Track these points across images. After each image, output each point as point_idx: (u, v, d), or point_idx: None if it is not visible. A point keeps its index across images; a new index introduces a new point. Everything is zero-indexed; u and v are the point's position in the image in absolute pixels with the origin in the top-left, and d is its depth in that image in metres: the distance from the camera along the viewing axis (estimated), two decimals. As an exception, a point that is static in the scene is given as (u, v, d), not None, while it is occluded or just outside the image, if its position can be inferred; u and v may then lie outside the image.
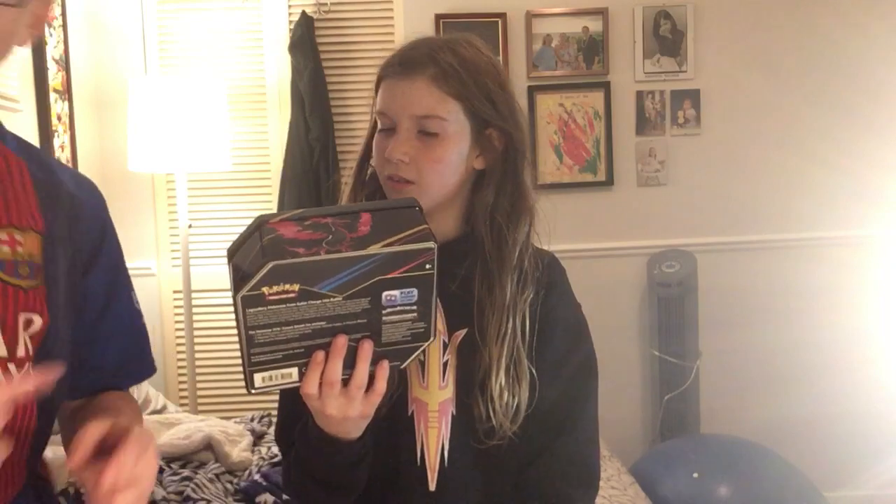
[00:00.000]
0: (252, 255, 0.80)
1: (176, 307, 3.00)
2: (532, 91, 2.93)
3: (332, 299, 0.82)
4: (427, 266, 0.85)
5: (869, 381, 2.92)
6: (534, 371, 1.08)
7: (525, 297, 1.09)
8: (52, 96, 2.57)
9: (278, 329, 0.82)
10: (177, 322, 3.01)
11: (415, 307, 0.87)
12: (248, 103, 3.00)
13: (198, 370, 2.88)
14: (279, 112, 3.02)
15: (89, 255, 0.95)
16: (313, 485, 1.03)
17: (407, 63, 1.06)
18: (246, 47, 2.98)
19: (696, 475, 2.40)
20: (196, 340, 2.88)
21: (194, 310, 2.83)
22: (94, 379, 0.98)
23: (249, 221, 0.85)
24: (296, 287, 0.80)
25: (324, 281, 0.81)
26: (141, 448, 0.76)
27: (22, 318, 0.84)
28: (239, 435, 2.23)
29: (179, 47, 2.95)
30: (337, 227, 0.82)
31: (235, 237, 0.86)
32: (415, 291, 0.86)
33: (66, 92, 2.70)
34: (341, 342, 0.85)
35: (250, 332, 0.82)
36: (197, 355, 2.88)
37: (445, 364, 1.09)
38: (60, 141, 2.64)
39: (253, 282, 0.78)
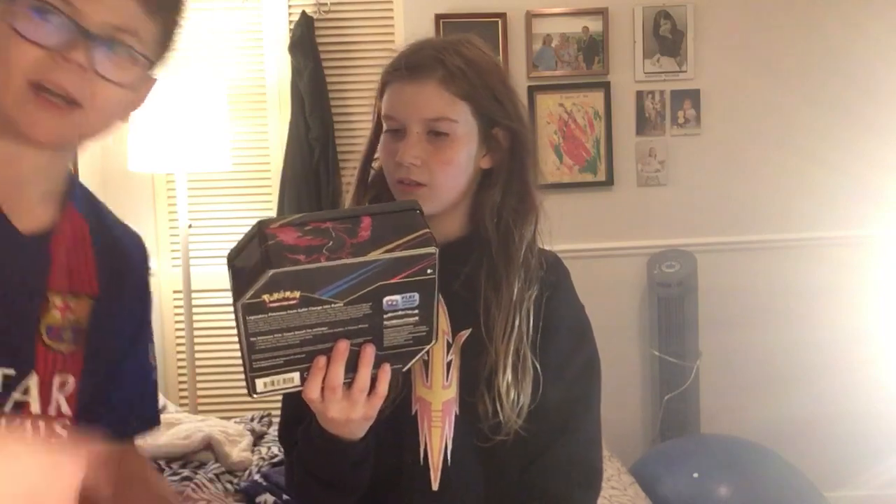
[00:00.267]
0: (252, 261, 0.80)
1: (176, 307, 3.00)
2: (532, 91, 2.93)
3: (333, 305, 0.82)
4: (428, 271, 0.85)
5: (869, 381, 2.92)
6: (538, 367, 1.09)
7: (530, 295, 1.10)
8: (52, 96, 2.56)
9: (279, 335, 0.82)
10: (177, 322, 3.01)
11: (416, 311, 0.87)
12: (248, 103, 3.00)
13: (198, 370, 2.88)
14: (279, 112, 3.01)
15: (130, 315, 0.99)
16: (316, 485, 1.03)
17: (414, 66, 1.06)
18: (246, 47, 2.98)
19: (696, 475, 2.40)
20: (196, 340, 2.88)
21: (194, 310, 2.83)
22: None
23: (249, 221, 0.85)
24: (296, 294, 0.80)
25: (324, 287, 0.81)
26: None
27: (57, 379, 0.88)
28: (239, 435, 2.23)
29: (179, 47, 2.95)
30: (337, 232, 0.82)
31: (236, 241, 0.86)
32: (416, 296, 0.86)
33: (66, 92, 2.70)
34: (343, 347, 0.85)
35: (251, 339, 0.82)
36: (197, 355, 2.88)
37: (449, 364, 1.09)
38: (60, 141, 2.64)
39: (253, 290, 0.78)
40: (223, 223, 3.02)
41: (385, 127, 1.10)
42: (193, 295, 2.80)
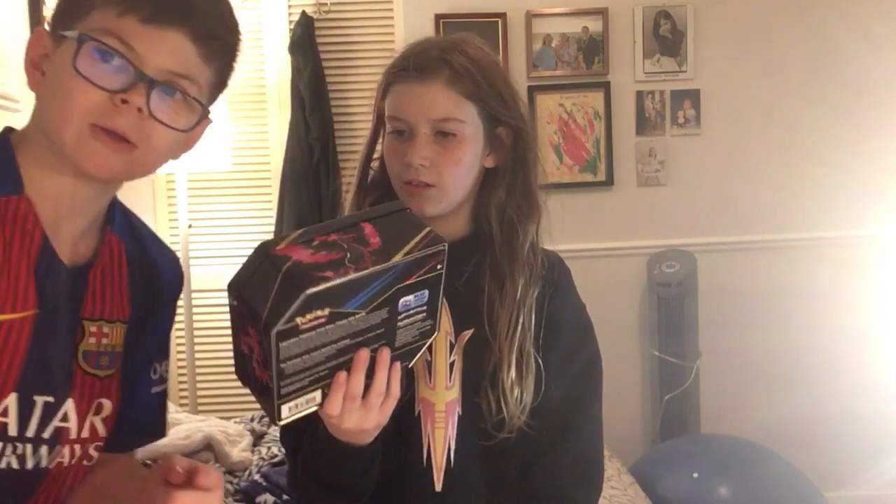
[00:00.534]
0: (270, 287, 0.77)
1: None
2: (532, 91, 2.93)
3: (356, 316, 0.82)
4: (438, 267, 0.86)
5: (869, 381, 2.92)
6: (541, 363, 1.09)
7: (532, 293, 1.10)
8: (52, 96, 2.56)
9: (308, 356, 0.81)
10: (177, 322, 3.01)
11: (425, 307, 0.88)
12: (248, 103, 3.00)
13: (198, 370, 2.88)
14: (279, 112, 3.01)
15: (157, 333, 1.02)
16: (321, 489, 1.03)
17: (420, 67, 1.06)
18: (246, 47, 2.97)
19: (696, 475, 2.40)
20: (196, 340, 2.88)
21: (194, 310, 2.83)
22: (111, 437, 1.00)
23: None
24: (326, 311, 0.79)
25: (351, 300, 0.80)
26: (212, 484, 0.80)
27: (94, 404, 0.92)
28: (239, 435, 2.23)
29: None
30: (348, 242, 0.81)
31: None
32: (426, 293, 0.87)
33: (66, 92, 2.70)
34: (364, 356, 0.85)
35: (281, 365, 0.79)
36: (197, 355, 2.88)
37: (452, 364, 1.09)
38: (60, 141, 2.64)
39: (288, 314, 0.76)
40: (223, 223, 3.02)
41: (389, 128, 1.10)
42: (193, 295, 2.80)
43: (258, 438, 2.30)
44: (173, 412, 2.54)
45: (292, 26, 2.94)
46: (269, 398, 0.81)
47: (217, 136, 2.64)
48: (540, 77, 2.94)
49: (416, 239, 0.84)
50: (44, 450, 0.88)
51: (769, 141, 2.98)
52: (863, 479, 2.94)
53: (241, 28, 0.96)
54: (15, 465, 0.86)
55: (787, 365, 2.94)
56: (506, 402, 1.05)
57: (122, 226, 0.98)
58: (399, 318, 0.86)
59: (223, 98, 1.01)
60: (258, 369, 0.81)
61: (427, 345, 0.93)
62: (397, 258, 0.81)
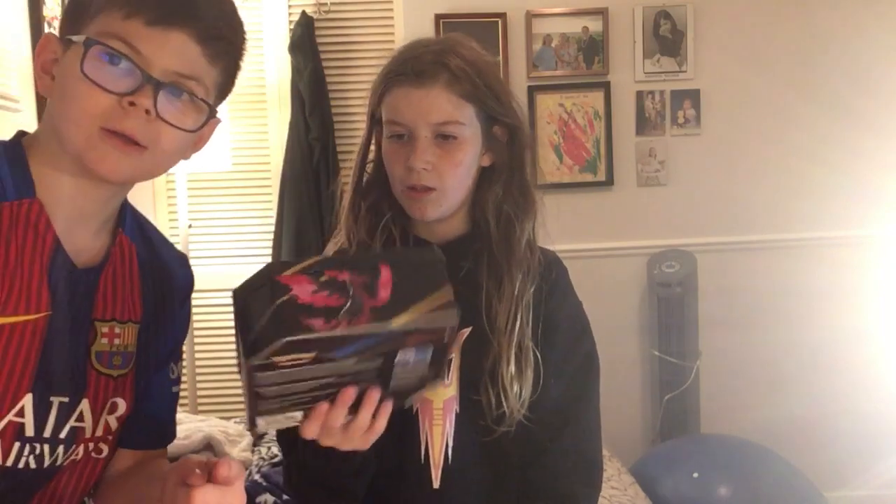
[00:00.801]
0: (262, 315, 0.75)
1: (176, 307, 3.00)
2: (532, 91, 2.93)
3: (345, 361, 0.79)
4: (447, 336, 0.81)
5: (869, 381, 2.92)
6: (539, 357, 1.10)
7: (530, 289, 1.11)
8: (53, 96, 2.56)
9: (287, 385, 0.79)
10: (177, 322, 3.01)
11: (428, 361, 0.84)
12: (248, 103, 3.00)
13: (198, 370, 2.88)
14: (279, 112, 3.01)
15: (170, 335, 1.03)
16: (315, 489, 1.03)
17: (418, 71, 1.06)
18: (247, 50, 2.97)
19: (696, 475, 2.40)
20: (196, 340, 2.88)
21: (194, 310, 2.81)
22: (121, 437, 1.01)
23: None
24: (311, 355, 0.76)
25: (339, 350, 0.77)
26: (232, 475, 0.79)
27: (108, 403, 0.94)
28: (239, 435, 2.23)
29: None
30: (355, 287, 0.77)
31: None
32: (431, 349, 0.82)
33: (66, 92, 2.70)
34: (349, 394, 0.83)
35: (257, 390, 0.79)
36: (197, 355, 2.88)
37: (449, 362, 1.09)
38: (60, 141, 2.64)
39: (265, 352, 0.74)
40: (223, 223, 3.02)
41: (388, 133, 1.10)
42: (193, 295, 2.80)
43: (258, 438, 2.30)
44: (173, 412, 2.54)
45: (292, 26, 2.94)
46: (249, 406, 0.81)
47: (217, 137, 2.64)
48: (540, 77, 2.94)
49: (430, 300, 0.78)
50: (60, 449, 0.89)
51: (769, 141, 2.98)
52: (863, 479, 2.94)
53: (244, 24, 0.97)
54: (33, 464, 0.87)
55: (787, 365, 2.94)
56: (506, 396, 1.06)
57: (132, 228, 0.99)
58: (396, 366, 0.83)
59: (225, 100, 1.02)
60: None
61: (426, 389, 0.89)
62: (397, 323, 0.77)
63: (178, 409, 2.83)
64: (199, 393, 2.90)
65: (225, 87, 0.95)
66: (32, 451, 0.87)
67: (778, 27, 2.96)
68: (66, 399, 0.89)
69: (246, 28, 0.98)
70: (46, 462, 0.88)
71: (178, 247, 2.93)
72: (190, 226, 2.79)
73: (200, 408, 2.85)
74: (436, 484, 1.08)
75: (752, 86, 2.97)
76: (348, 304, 0.76)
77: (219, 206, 3.02)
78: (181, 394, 3.00)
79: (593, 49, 2.94)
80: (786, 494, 2.37)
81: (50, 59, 0.88)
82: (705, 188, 2.98)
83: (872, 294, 2.97)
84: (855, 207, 2.95)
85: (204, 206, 3.00)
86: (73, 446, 0.91)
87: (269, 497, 1.89)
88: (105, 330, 0.93)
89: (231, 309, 0.80)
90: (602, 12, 2.93)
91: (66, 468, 0.92)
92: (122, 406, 0.95)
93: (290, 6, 2.99)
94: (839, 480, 2.87)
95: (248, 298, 0.78)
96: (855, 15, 2.94)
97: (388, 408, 0.88)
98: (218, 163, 2.68)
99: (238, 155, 2.92)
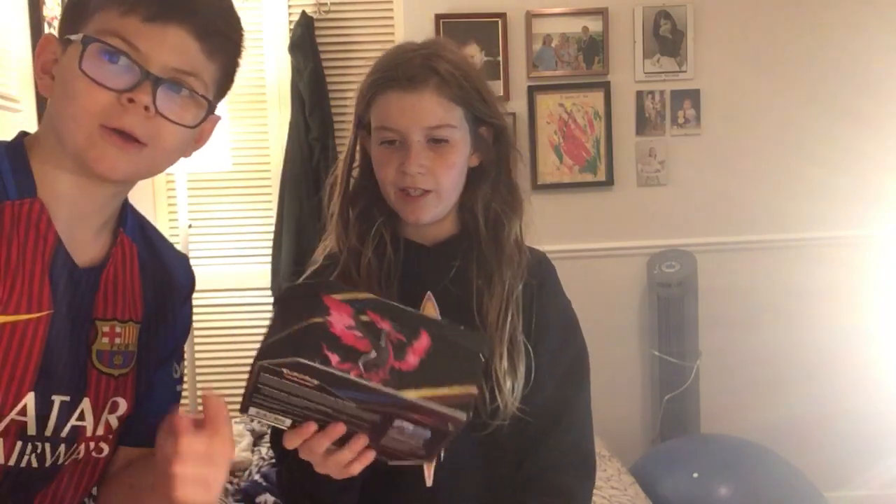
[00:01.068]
0: (292, 325, 0.76)
1: (176, 307, 3.00)
2: (532, 91, 2.93)
3: (345, 401, 0.79)
4: (450, 428, 0.81)
5: (869, 381, 2.92)
6: (531, 350, 1.11)
7: (519, 286, 1.12)
8: (53, 96, 2.56)
9: (285, 395, 0.80)
10: (177, 322, 3.01)
11: (422, 442, 0.84)
12: (248, 103, 3.00)
13: (198, 370, 2.88)
14: (279, 112, 3.01)
15: (171, 336, 1.03)
16: (304, 500, 1.05)
17: (408, 76, 1.07)
18: (246, 47, 2.97)
19: (696, 475, 2.40)
20: (196, 340, 2.88)
21: (194, 310, 2.82)
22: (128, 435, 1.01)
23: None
24: (315, 382, 0.77)
25: (344, 391, 0.78)
26: (218, 427, 0.82)
27: (109, 402, 0.94)
28: (239, 435, 2.23)
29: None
30: (388, 341, 0.78)
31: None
32: (428, 433, 0.82)
33: (66, 92, 2.70)
34: (337, 430, 0.84)
35: (259, 385, 0.80)
36: (197, 355, 2.88)
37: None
38: (60, 141, 2.64)
39: (276, 361, 0.76)
40: (223, 223, 3.02)
41: (379, 139, 1.10)
42: (193, 295, 2.80)
43: (258, 438, 2.30)
44: (173, 412, 2.54)
45: (292, 26, 2.94)
46: (247, 392, 0.82)
47: (217, 136, 2.64)
48: (540, 77, 2.94)
49: (451, 389, 0.78)
50: (62, 448, 0.90)
51: (769, 141, 2.98)
52: (863, 479, 2.94)
53: (244, 25, 0.97)
54: (35, 463, 0.88)
55: (787, 365, 2.94)
56: (500, 390, 1.07)
57: (134, 228, 0.99)
58: (392, 429, 0.83)
59: (225, 98, 1.02)
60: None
61: (412, 464, 0.89)
62: (409, 395, 0.77)
63: (179, 408, 2.82)
64: (200, 393, 2.90)
65: (224, 84, 0.95)
66: (34, 450, 0.87)
67: (778, 27, 2.97)
68: (67, 398, 0.89)
69: (246, 28, 0.98)
70: (48, 461, 0.89)
71: (178, 247, 2.93)
72: (190, 226, 2.79)
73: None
74: (429, 482, 1.09)
75: (752, 86, 2.97)
76: (372, 354, 0.77)
77: (219, 206, 3.02)
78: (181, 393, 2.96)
79: (593, 49, 2.94)
80: (786, 494, 2.37)
81: (50, 59, 0.88)
82: (705, 188, 2.98)
83: (872, 294, 2.97)
84: (855, 207, 2.95)
85: (204, 206, 3.00)
86: (75, 445, 0.91)
87: (268, 497, 1.89)
88: (106, 329, 0.93)
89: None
90: (602, 12, 2.93)
91: (67, 467, 0.92)
92: (122, 405, 0.95)
93: (290, 6, 2.99)
94: (839, 480, 2.87)
95: (289, 302, 0.80)
96: (855, 15, 2.94)
97: (368, 457, 0.88)
98: (218, 163, 2.68)
99: (238, 155, 2.92)
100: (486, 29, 2.89)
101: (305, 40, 2.88)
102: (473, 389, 0.80)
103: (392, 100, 1.08)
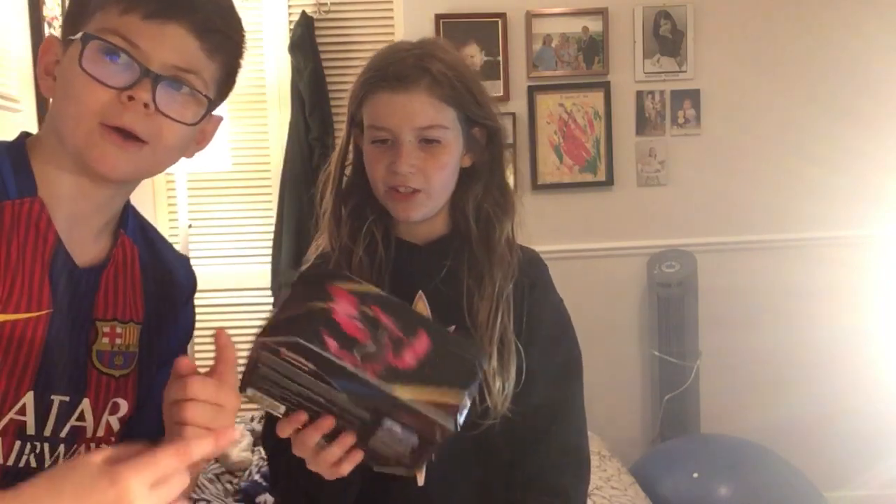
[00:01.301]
0: (296, 307, 0.77)
1: (176, 307, 3.00)
2: (532, 91, 2.93)
3: (338, 392, 0.80)
4: (438, 436, 0.81)
5: (869, 381, 2.92)
6: (522, 351, 1.11)
7: (510, 285, 1.13)
8: (53, 96, 2.56)
9: (282, 377, 0.81)
10: (177, 322, 3.01)
11: (410, 448, 0.84)
12: (247, 103, 3.00)
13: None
14: (279, 112, 3.02)
15: (174, 337, 1.03)
16: (300, 497, 1.04)
17: (400, 76, 1.07)
18: (246, 47, 2.97)
19: (696, 475, 2.40)
20: (196, 340, 2.87)
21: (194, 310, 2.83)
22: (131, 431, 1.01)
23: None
24: (310, 366, 0.78)
25: (337, 380, 0.78)
26: (226, 375, 0.81)
27: (110, 403, 0.93)
28: (239, 435, 2.23)
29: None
30: (387, 337, 0.78)
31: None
32: (416, 439, 0.83)
33: (66, 92, 2.70)
34: (327, 423, 0.84)
35: (258, 364, 0.81)
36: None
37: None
38: (60, 141, 2.64)
39: (275, 339, 0.77)
40: (223, 223, 3.02)
41: (370, 138, 1.10)
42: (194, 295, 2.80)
43: (258, 438, 2.30)
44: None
45: (292, 26, 2.94)
46: (246, 372, 0.82)
47: (217, 136, 2.64)
48: (540, 77, 2.94)
49: (440, 393, 0.79)
50: (61, 449, 0.89)
51: (769, 141, 2.98)
52: (863, 479, 2.94)
53: (244, 24, 0.97)
54: (34, 464, 0.87)
55: (787, 365, 2.94)
56: (489, 391, 1.07)
57: (135, 229, 0.99)
58: (380, 430, 0.83)
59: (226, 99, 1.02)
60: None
61: (397, 471, 0.89)
62: (398, 392, 0.77)
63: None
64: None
65: (225, 84, 0.95)
66: (33, 450, 0.87)
67: (778, 27, 2.97)
68: (66, 398, 0.89)
69: (246, 28, 0.98)
70: (47, 462, 0.88)
71: (178, 247, 2.93)
72: (190, 226, 2.79)
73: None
74: (420, 481, 1.09)
75: (752, 86, 2.97)
76: (370, 346, 0.78)
77: (219, 206, 3.03)
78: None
79: (593, 49, 2.94)
80: (786, 494, 2.38)
81: (52, 60, 0.89)
82: (705, 188, 2.98)
83: (872, 294, 2.97)
84: (855, 207, 2.95)
85: (204, 206, 3.00)
86: (74, 446, 0.91)
87: (268, 497, 1.89)
88: (106, 329, 0.93)
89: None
90: (602, 12, 2.93)
91: None
92: (123, 407, 0.95)
93: (290, 6, 2.99)
94: (839, 480, 2.87)
95: (297, 287, 0.81)
96: (855, 15, 2.94)
97: (356, 457, 0.88)
98: (218, 163, 2.68)
99: (238, 155, 2.93)
100: (486, 29, 2.89)
101: (305, 40, 2.89)
102: (463, 398, 0.80)
103: (383, 99, 1.08)
